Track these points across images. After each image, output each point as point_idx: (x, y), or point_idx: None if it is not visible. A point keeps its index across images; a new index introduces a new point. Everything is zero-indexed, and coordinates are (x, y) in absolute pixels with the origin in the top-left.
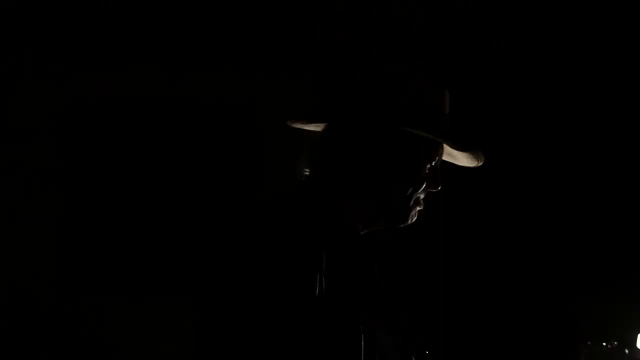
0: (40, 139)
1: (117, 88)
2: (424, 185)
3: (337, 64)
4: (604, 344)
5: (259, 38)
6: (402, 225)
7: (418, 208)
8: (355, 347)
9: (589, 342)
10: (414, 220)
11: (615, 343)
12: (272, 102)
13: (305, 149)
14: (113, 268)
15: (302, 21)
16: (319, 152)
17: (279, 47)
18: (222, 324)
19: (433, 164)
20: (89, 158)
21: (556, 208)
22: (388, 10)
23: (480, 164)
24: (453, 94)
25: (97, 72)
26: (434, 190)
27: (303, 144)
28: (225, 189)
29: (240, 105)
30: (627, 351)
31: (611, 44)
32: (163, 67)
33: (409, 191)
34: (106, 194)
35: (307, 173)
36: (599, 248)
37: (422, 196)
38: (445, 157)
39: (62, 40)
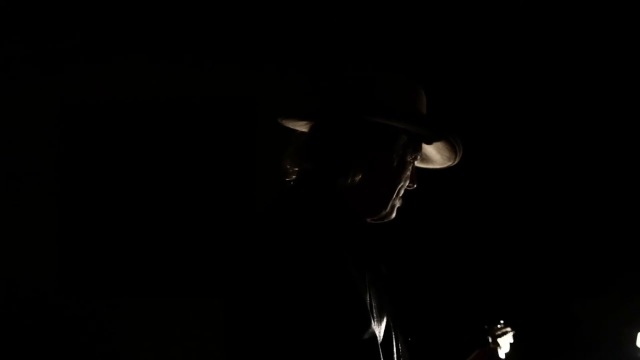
0: (41, 139)
1: (116, 88)
2: (408, 183)
3: (331, 64)
4: (498, 325)
5: (257, 38)
6: (385, 220)
7: (398, 204)
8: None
9: (486, 326)
10: (394, 216)
11: (502, 322)
12: (267, 101)
13: (297, 145)
14: (109, 268)
15: (300, 21)
16: (313, 149)
17: (277, 48)
18: (259, 325)
19: (415, 163)
20: (90, 157)
21: (556, 208)
22: (388, 11)
23: (459, 157)
24: (448, 91)
25: (96, 72)
26: (411, 189)
27: (293, 141)
28: (230, 188)
29: (238, 104)
30: (511, 330)
31: (609, 43)
32: (162, 66)
33: (398, 187)
34: (105, 193)
35: (298, 169)
36: (599, 248)
37: (401, 193)
38: (423, 164)
39: (62, 41)
